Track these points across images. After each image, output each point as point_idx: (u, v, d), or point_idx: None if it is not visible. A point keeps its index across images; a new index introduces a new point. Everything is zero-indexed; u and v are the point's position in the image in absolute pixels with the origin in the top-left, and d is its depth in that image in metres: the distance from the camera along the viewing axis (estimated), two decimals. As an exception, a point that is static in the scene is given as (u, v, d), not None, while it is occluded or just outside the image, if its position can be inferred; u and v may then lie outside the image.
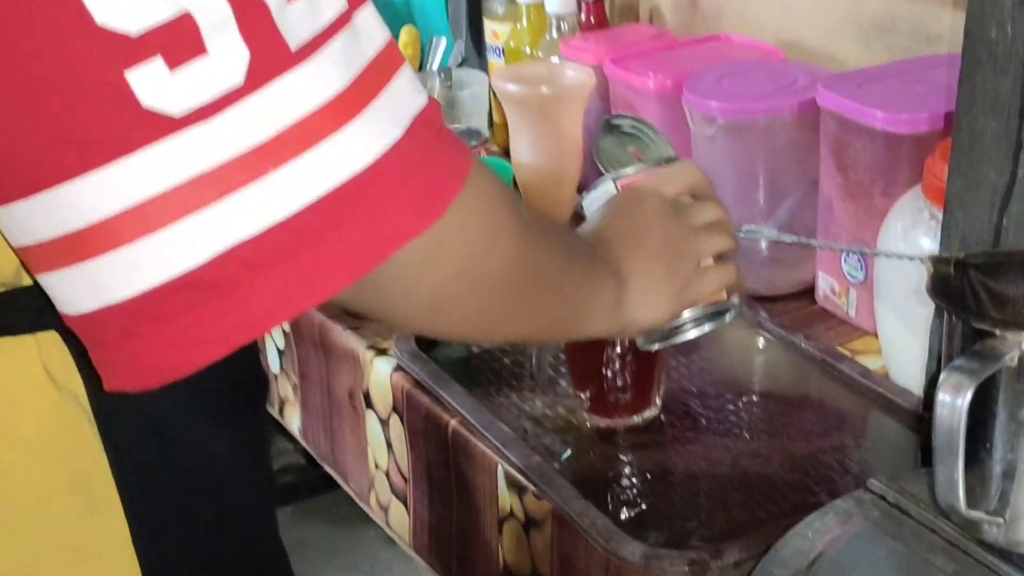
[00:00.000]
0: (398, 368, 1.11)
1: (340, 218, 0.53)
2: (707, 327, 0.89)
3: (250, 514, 0.79)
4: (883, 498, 0.80)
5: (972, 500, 0.72)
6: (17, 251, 0.55)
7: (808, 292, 1.21)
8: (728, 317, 0.88)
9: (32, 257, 0.54)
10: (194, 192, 0.51)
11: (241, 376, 0.76)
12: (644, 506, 0.95)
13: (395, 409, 1.11)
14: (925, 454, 0.88)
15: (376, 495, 1.18)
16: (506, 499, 0.99)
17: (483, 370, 1.13)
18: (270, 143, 0.51)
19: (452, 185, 0.58)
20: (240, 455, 0.77)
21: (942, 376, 0.70)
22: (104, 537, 0.67)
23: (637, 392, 1.01)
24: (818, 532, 0.78)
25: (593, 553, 0.89)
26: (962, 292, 0.76)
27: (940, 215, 0.98)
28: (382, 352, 1.14)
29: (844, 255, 1.14)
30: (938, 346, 0.85)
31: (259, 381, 0.79)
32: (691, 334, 0.89)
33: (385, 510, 1.17)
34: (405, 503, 1.14)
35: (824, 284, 1.18)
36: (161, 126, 0.50)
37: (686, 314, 0.85)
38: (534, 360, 0.99)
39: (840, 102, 1.09)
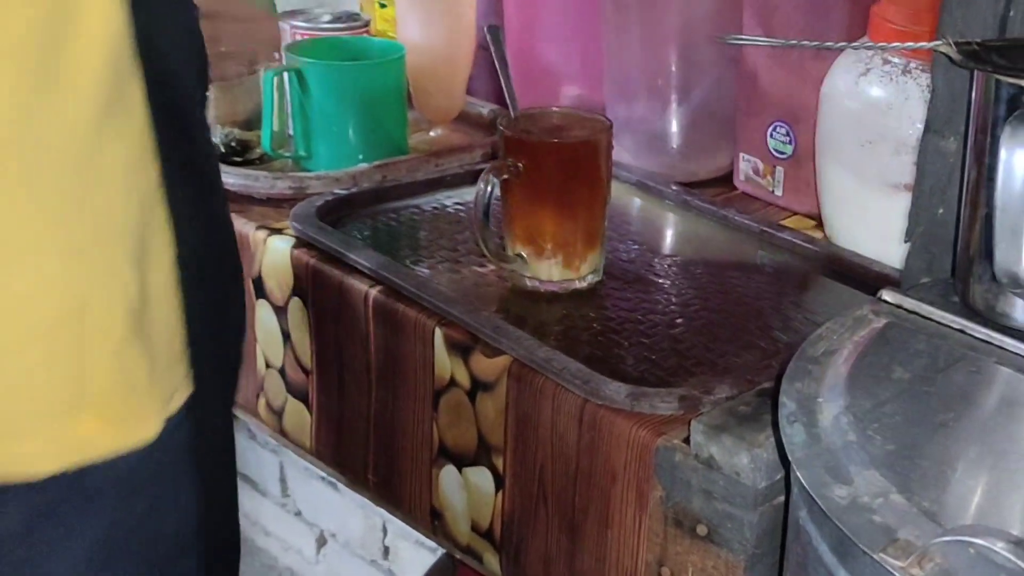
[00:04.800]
0: (299, 244, 0.98)
1: None
2: None
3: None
4: (899, 307, 0.73)
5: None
6: None
7: (726, 178, 1.15)
8: None
9: None
10: None
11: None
12: (609, 355, 0.85)
13: (296, 292, 0.98)
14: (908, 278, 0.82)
15: (266, 399, 1.04)
16: (445, 366, 0.87)
17: (396, 245, 1.01)
18: None
19: None
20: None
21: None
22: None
23: (582, 246, 0.92)
24: (842, 335, 0.70)
25: (562, 405, 0.79)
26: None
27: (895, 59, 0.94)
28: (277, 231, 1.01)
29: (770, 129, 1.08)
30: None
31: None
32: None
33: (278, 415, 1.03)
34: (305, 400, 1.00)
35: (745, 166, 1.12)
36: None
37: None
38: (476, 225, 0.88)
39: (766, -38, 1.04)
